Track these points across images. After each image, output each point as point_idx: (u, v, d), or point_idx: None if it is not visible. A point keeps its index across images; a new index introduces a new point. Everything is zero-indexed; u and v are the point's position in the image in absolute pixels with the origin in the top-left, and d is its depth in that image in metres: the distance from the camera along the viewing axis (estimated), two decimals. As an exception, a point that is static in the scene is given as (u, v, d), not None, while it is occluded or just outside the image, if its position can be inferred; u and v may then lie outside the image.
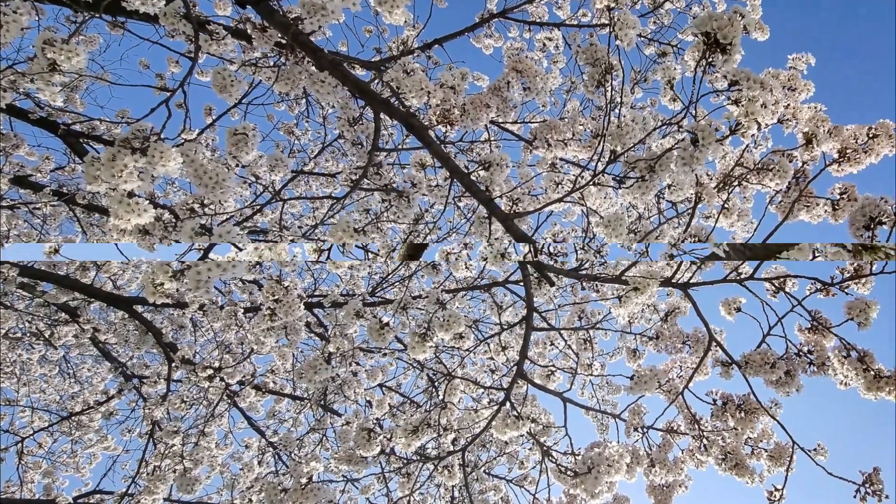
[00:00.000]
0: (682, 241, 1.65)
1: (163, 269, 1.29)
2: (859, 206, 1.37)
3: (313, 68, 1.66)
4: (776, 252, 1.44)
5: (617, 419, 2.08)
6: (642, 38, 3.04)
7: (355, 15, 3.05)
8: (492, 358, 3.43)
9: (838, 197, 1.57)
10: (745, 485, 1.65)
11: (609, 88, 1.62)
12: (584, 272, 2.10)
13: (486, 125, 1.88)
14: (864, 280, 1.53)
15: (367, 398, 3.55)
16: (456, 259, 1.88)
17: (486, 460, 3.60)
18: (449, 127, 1.64)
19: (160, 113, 1.52)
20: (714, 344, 1.74)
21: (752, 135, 1.46)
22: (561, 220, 3.01)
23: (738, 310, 1.74)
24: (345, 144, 1.94)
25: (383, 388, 3.83)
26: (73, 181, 3.70)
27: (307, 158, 3.75)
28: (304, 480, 1.60)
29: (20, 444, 3.97)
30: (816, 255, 1.40)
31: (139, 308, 3.41)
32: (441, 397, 2.27)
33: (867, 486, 1.44)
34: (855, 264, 1.50)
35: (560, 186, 2.03)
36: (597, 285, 2.66)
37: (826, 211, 1.60)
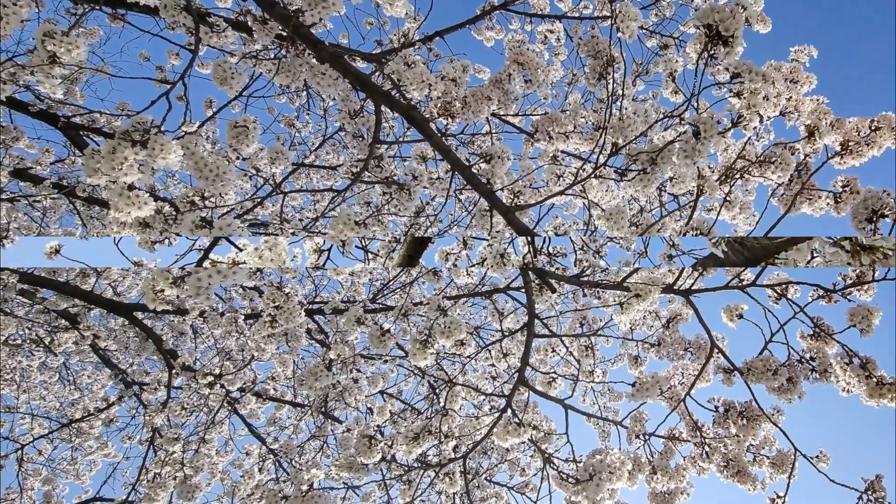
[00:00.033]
0: (684, 235, 1.65)
1: (163, 276, 1.29)
2: (862, 198, 1.36)
3: (314, 60, 1.65)
4: (774, 251, 1.43)
5: (619, 426, 2.07)
6: (644, 31, 3.04)
7: (356, 7, 3.05)
8: (493, 364, 3.43)
9: (840, 189, 1.57)
10: (748, 492, 1.64)
11: (611, 81, 1.61)
12: (585, 278, 2.10)
13: (487, 118, 1.87)
14: (866, 287, 1.53)
15: (368, 405, 3.54)
16: (456, 259, 1.87)
17: (487, 467, 3.59)
18: (450, 119, 1.63)
19: (160, 105, 1.52)
20: (716, 351, 1.73)
21: (755, 127, 1.46)
22: (562, 212, 2.98)
23: (741, 316, 1.74)
24: (346, 137, 1.93)
25: (384, 395, 3.82)
26: (74, 174, 3.69)
27: (308, 151, 3.75)
28: (304, 488, 1.59)
29: (20, 451, 3.95)
30: (815, 254, 1.40)
31: (139, 315, 3.41)
32: (442, 404, 2.27)
33: (869, 493, 1.44)
34: (857, 270, 1.50)
35: (561, 179, 2.03)
36: (598, 292, 2.65)
37: (828, 204, 1.60)
